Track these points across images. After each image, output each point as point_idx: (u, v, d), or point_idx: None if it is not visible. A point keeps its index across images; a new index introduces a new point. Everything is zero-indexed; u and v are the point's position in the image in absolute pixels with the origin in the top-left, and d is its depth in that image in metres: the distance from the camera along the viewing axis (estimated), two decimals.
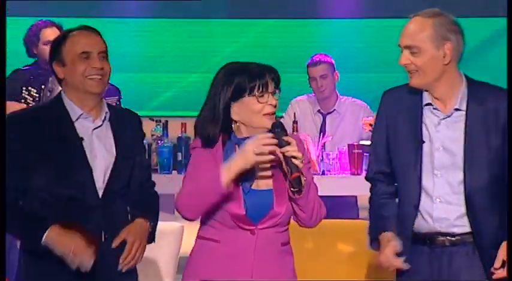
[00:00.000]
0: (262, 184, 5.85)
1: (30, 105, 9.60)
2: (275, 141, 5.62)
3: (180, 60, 15.99)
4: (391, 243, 6.02)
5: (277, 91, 5.79)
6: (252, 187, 5.83)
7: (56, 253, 5.68)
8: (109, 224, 5.91)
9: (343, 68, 11.15)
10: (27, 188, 5.80)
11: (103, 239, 5.88)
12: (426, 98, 5.98)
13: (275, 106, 5.76)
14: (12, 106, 9.54)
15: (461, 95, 5.96)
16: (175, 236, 7.99)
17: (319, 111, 10.57)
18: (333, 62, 10.62)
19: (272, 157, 5.65)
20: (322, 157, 10.07)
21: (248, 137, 5.75)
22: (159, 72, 15.73)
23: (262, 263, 5.86)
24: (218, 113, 5.70)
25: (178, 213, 5.90)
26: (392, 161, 6.10)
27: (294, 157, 5.60)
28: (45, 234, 5.66)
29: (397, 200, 6.26)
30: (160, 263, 7.76)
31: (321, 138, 10.22)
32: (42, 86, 9.58)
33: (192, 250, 6.02)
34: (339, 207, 9.60)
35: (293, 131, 9.85)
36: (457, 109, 5.94)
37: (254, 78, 5.70)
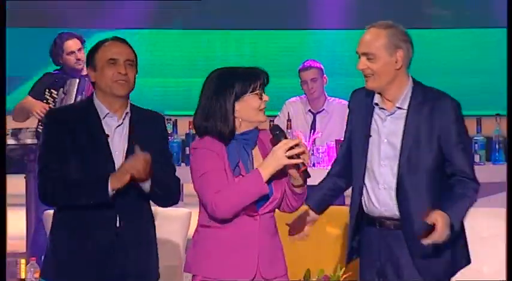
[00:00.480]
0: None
1: (50, 105, 9.64)
2: (303, 147, 5.70)
3: (186, 66, 15.91)
4: (302, 214, 6.23)
5: (262, 89, 5.87)
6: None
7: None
8: (122, 211, 5.93)
9: (332, 72, 11.17)
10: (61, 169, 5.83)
11: (118, 224, 5.91)
12: (376, 98, 6.08)
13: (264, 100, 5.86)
14: (34, 104, 9.61)
15: (404, 96, 6.05)
16: (183, 221, 8.00)
17: (310, 110, 10.74)
18: (322, 67, 10.73)
19: (300, 160, 5.68)
20: (313, 151, 10.27)
21: (245, 133, 5.84)
22: (168, 77, 15.70)
23: (265, 245, 5.88)
24: (227, 112, 5.71)
25: (216, 216, 5.80)
26: (352, 152, 6.20)
27: (302, 152, 5.67)
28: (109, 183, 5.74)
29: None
30: (170, 244, 7.76)
31: (311, 135, 10.47)
32: (61, 89, 9.58)
33: (197, 239, 5.96)
34: None
35: (287, 128, 9.95)
36: (399, 107, 6.02)
37: (255, 79, 5.76)
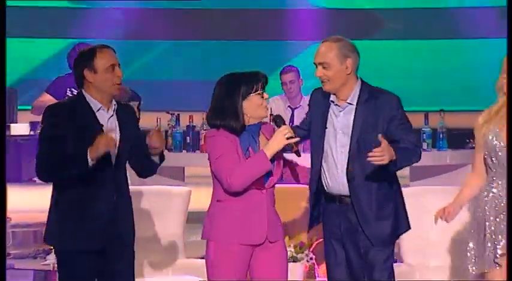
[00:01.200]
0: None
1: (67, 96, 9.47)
2: (291, 132, 5.90)
3: (186, 72, 15.82)
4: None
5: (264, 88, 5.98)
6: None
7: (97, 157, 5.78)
8: (117, 185, 6.03)
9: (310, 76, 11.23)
10: (62, 156, 5.88)
11: (114, 198, 5.97)
12: (331, 97, 6.15)
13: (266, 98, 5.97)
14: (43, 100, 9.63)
15: (353, 94, 6.10)
16: (184, 197, 7.96)
17: (289, 106, 10.81)
18: (299, 71, 10.83)
19: (297, 139, 5.94)
20: None
21: (253, 125, 6.00)
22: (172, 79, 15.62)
23: (270, 213, 5.99)
24: (237, 111, 5.88)
25: (231, 190, 5.95)
26: (311, 140, 6.27)
27: (292, 137, 5.85)
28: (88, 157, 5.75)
29: None
30: (173, 216, 7.73)
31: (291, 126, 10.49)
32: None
33: (214, 211, 6.07)
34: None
35: (269, 122, 10.03)
36: (349, 103, 6.09)
37: (257, 81, 5.92)
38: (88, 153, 5.73)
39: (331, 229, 6.17)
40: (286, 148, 5.93)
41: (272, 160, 5.94)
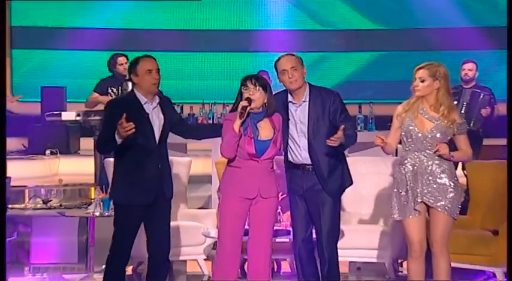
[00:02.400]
0: (264, 137, 5.92)
1: (109, 94, 9.53)
2: (244, 103, 5.83)
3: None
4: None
5: (253, 85, 5.92)
6: (258, 138, 5.91)
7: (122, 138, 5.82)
8: (161, 157, 6.00)
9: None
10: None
11: (159, 166, 5.97)
12: (289, 97, 6.12)
13: (251, 94, 5.88)
14: (102, 98, 9.54)
15: (306, 94, 6.08)
16: (186, 166, 7.95)
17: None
18: (268, 73, 9.61)
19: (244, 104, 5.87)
20: None
21: (254, 112, 5.95)
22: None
23: (263, 177, 5.94)
24: (237, 99, 5.93)
25: (222, 156, 6.04)
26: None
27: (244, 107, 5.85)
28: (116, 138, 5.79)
29: None
30: (179, 179, 7.65)
31: None
32: (120, 87, 9.51)
33: (224, 173, 6.08)
34: None
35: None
36: (303, 101, 6.06)
37: (245, 80, 5.92)
38: (116, 135, 5.75)
39: (295, 188, 6.15)
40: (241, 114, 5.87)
41: (269, 141, 5.92)
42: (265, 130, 5.95)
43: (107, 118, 6.04)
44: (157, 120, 5.99)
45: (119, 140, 5.77)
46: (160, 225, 6.02)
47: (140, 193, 5.92)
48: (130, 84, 9.80)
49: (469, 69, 9.32)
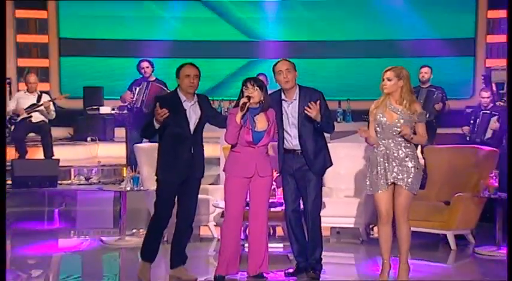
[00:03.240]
0: (260, 128, 5.90)
1: (134, 93, 9.47)
2: (245, 101, 5.83)
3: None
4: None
5: (252, 85, 5.90)
6: (255, 130, 5.88)
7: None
8: (194, 144, 5.95)
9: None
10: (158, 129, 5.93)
11: (192, 151, 5.93)
12: (282, 96, 6.08)
13: (250, 92, 5.87)
14: (128, 94, 9.50)
15: (296, 94, 6.03)
16: None
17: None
18: (266, 75, 9.44)
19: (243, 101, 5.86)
20: None
21: (252, 108, 5.92)
22: None
23: (259, 160, 5.93)
24: (240, 97, 5.89)
25: (226, 142, 6.01)
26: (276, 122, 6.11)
27: (244, 103, 5.84)
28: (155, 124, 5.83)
29: None
30: None
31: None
32: (139, 87, 9.46)
33: (228, 156, 6.04)
34: None
35: None
36: (294, 99, 6.01)
37: (245, 81, 5.90)
38: (154, 121, 5.79)
39: (287, 169, 6.12)
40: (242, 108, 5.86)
41: (264, 132, 5.90)
42: (261, 122, 5.93)
43: (152, 109, 5.98)
44: (193, 115, 5.93)
45: (156, 125, 5.81)
46: (189, 199, 5.99)
47: (174, 172, 5.90)
48: (145, 85, 9.74)
49: (425, 72, 9.46)
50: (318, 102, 5.89)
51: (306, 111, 5.89)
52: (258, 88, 5.88)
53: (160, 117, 5.75)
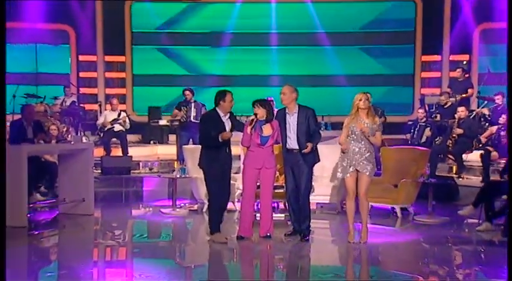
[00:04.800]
0: (266, 133, 5.76)
1: (183, 112, 9.27)
2: (252, 119, 5.68)
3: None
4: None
5: (258, 106, 5.72)
6: (262, 135, 5.75)
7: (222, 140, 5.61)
8: (228, 146, 5.76)
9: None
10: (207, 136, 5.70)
11: (227, 151, 5.76)
12: (286, 110, 5.92)
13: (257, 111, 5.71)
14: (178, 112, 9.34)
15: (296, 109, 5.88)
16: None
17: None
18: (273, 99, 9.21)
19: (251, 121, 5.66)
20: None
21: (259, 120, 5.72)
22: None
23: (266, 156, 5.78)
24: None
25: (242, 145, 5.82)
26: (280, 131, 5.90)
27: (252, 120, 5.66)
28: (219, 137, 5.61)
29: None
30: None
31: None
32: (187, 107, 9.35)
33: (245, 154, 5.88)
34: None
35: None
36: (295, 113, 5.87)
37: (254, 103, 5.75)
38: (220, 136, 5.59)
39: (288, 163, 5.98)
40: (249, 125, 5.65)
41: (269, 136, 5.71)
42: (266, 130, 5.82)
43: (205, 125, 5.75)
44: (227, 126, 5.73)
45: (220, 140, 5.62)
46: (226, 183, 5.80)
47: (216, 165, 5.71)
48: (193, 105, 9.53)
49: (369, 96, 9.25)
50: (310, 146, 5.73)
51: (304, 151, 5.72)
52: (261, 107, 5.78)
53: (225, 137, 5.59)
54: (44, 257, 5.58)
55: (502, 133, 8.53)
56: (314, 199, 6.94)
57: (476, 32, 11.65)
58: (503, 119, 8.65)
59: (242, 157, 6.90)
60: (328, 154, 7.71)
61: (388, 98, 10.43)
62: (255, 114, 5.76)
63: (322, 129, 9.25)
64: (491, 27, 11.30)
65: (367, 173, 5.73)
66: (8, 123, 7.55)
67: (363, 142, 5.75)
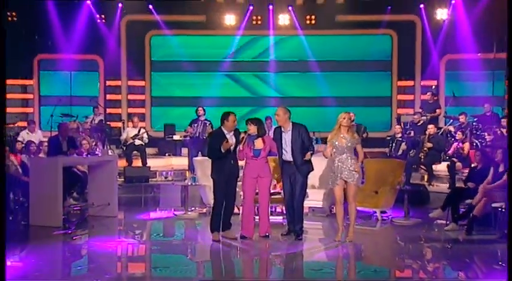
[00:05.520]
0: (257, 147, 5.71)
1: (193, 129, 9.22)
2: (243, 135, 5.60)
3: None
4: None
5: (249, 124, 5.68)
6: (254, 148, 5.70)
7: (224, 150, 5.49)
8: (233, 158, 5.68)
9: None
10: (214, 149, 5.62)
11: (232, 162, 5.62)
12: (282, 128, 5.84)
13: (249, 128, 5.65)
14: (189, 128, 9.35)
15: (290, 127, 5.82)
16: None
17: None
18: (271, 117, 9.29)
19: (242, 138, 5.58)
20: None
21: (251, 135, 5.65)
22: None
23: (260, 167, 5.73)
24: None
25: (239, 159, 5.67)
26: (277, 146, 5.83)
27: (243, 138, 5.61)
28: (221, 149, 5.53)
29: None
30: None
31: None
32: (196, 124, 9.37)
33: (244, 165, 5.77)
34: None
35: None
36: (289, 130, 5.81)
37: (247, 121, 5.72)
38: (222, 147, 5.52)
39: (286, 173, 5.92)
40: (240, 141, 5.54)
41: (260, 150, 5.61)
42: (258, 143, 5.77)
43: (212, 140, 5.71)
44: (231, 141, 5.66)
45: (223, 150, 5.56)
46: (232, 190, 5.73)
47: (223, 174, 5.65)
48: (201, 123, 9.37)
49: (352, 115, 9.14)
50: (308, 154, 5.66)
51: (304, 158, 5.64)
52: (253, 125, 5.73)
53: (226, 147, 5.51)
54: (76, 253, 5.64)
55: (461, 145, 8.81)
56: (307, 203, 6.88)
57: (442, 61, 11.91)
58: (459, 135, 9.00)
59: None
60: (318, 164, 7.71)
61: (370, 116, 10.48)
62: (245, 132, 5.74)
63: (314, 143, 9.18)
64: (454, 58, 11.67)
65: (354, 183, 5.74)
66: (45, 139, 7.93)
67: (344, 154, 5.76)
